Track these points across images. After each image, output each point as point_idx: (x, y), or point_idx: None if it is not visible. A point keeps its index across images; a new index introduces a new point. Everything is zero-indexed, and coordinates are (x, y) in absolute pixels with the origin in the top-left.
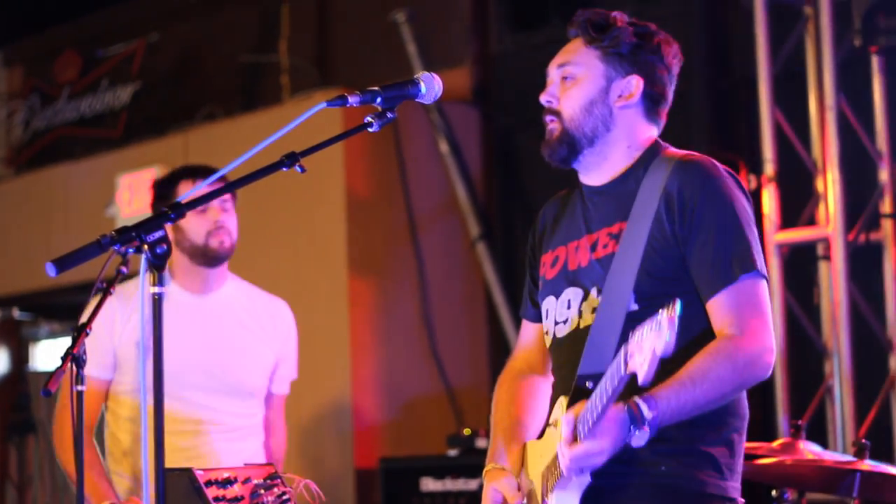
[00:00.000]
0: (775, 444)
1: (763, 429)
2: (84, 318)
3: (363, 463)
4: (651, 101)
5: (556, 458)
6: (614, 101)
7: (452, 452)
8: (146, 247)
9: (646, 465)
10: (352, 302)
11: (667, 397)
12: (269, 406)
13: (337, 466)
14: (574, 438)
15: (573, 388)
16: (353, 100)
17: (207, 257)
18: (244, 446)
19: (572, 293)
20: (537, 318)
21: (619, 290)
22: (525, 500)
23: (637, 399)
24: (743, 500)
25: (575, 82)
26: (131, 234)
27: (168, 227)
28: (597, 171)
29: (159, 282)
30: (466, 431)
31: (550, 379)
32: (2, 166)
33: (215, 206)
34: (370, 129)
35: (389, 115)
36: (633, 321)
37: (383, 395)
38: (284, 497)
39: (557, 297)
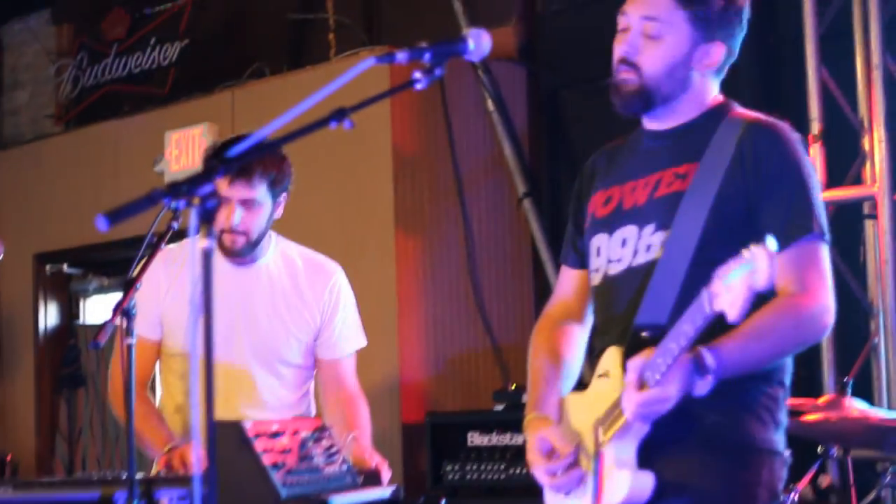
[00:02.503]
0: (821, 400)
1: (809, 385)
2: (134, 273)
3: (410, 417)
4: (725, 64)
5: (613, 407)
6: (695, 66)
7: (499, 407)
8: (197, 200)
9: (695, 417)
10: (398, 259)
11: (731, 349)
12: (322, 374)
13: (384, 421)
14: (641, 385)
15: (629, 338)
16: (401, 56)
17: (224, 250)
18: (278, 416)
19: (628, 231)
20: (578, 265)
21: (686, 234)
22: (572, 453)
23: (702, 348)
24: (789, 452)
25: (660, 42)
26: (182, 188)
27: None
28: (662, 120)
29: (209, 236)
30: (513, 386)
31: (588, 326)
32: (51, 123)
33: (234, 204)
34: (418, 86)
35: (437, 71)
36: (696, 267)
37: (430, 350)
38: (332, 450)
39: (611, 234)
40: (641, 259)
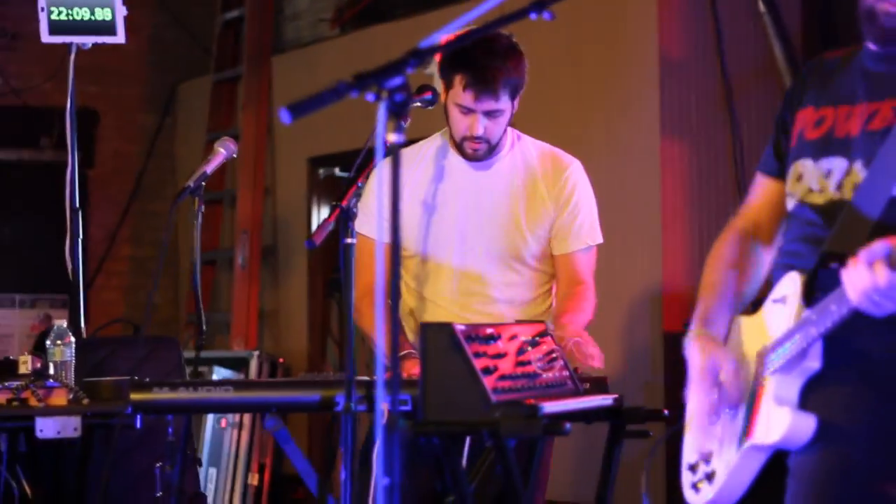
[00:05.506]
0: None
1: None
2: (353, 174)
3: (672, 326)
4: None
5: (785, 336)
6: None
7: None
8: (385, 93)
9: (862, 353)
10: (664, 166)
11: None
12: (556, 269)
13: (646, 330)
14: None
15: (815, 266)
16: None
17: (464, 156)
18: (517, 314)
19: (835, 163)
20: (777, 173)
21: (888, 169)
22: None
23: None
24: None
25: None
26: (368, 81)
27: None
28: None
29: (398, 130)
30: None
31: (775, 247)
32: (327, 26)
33: (478, 114)
34: None
35: None
36: (891, 208)
37: (694, 259)
38: (553, 355)
39: (816, 161)
40: (846, 195)
